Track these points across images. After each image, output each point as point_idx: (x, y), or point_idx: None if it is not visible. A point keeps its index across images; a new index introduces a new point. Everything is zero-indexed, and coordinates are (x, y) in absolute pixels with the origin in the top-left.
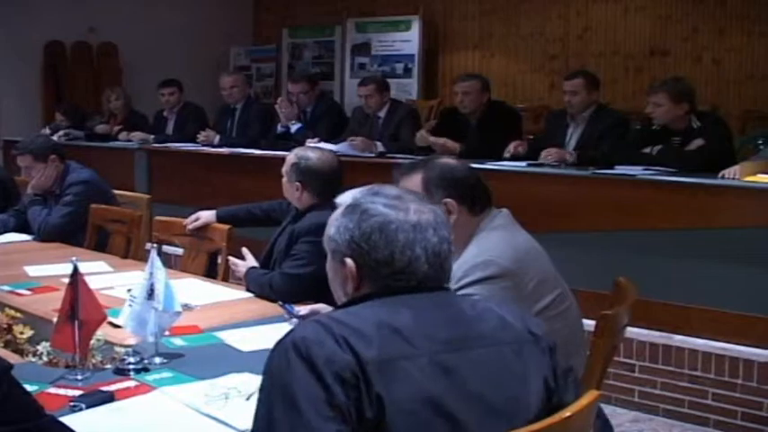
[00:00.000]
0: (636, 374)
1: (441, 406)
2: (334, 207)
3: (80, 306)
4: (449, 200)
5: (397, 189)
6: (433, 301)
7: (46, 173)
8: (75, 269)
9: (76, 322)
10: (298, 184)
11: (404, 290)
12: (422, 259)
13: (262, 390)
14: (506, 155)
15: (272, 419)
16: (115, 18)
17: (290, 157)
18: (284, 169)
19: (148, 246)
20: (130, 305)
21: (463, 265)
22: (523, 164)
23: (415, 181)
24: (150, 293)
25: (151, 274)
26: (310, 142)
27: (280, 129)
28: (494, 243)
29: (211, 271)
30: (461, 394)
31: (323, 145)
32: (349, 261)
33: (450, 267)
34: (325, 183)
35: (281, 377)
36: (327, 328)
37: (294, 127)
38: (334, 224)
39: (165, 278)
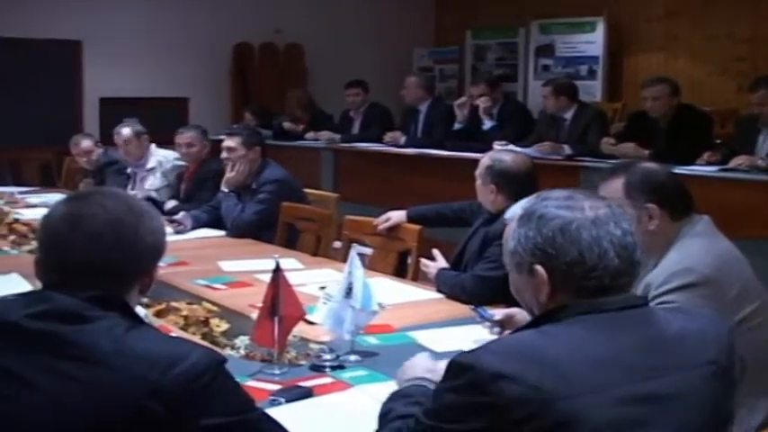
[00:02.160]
0: None
1: None
2: None
3: (281, 302)
4: (651, 205)
5: (566, 190)
6: (632, 320)
7: (241, 167)
8: (277, 266)
9: (276, 318)
10: (492, 186)
11: (598, 291)
12: (611, 253)
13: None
14: (699, 163)
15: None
16: (301, 20)
17: (485, 159)
18: (478, 172)
19: (337, 244)
20: (325, 303)
21: (663, 272)
22: (715, 168)
23: (615, 186)
24: (348, 292)
25: (350, 272)
26: (498, 145)
27: (456, 125)
28: (695, 250)
29: (401, 271)
30: (659, 422)
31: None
32: (539, 268)
33: (639, 261)
34: (520, 185)
35: (449, 394)
36: (519, 359)
37: (488, 124)
38: (513, 237)
39: (363, 277)
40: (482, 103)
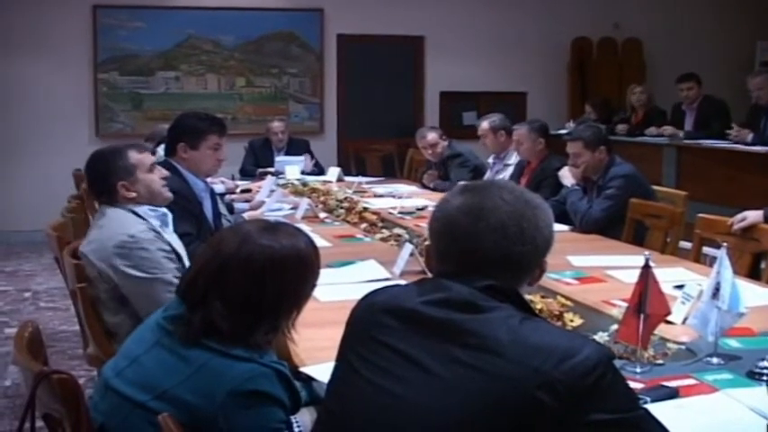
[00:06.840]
0: None
1: None
2: None
3: (648, 300)
4: None
5: None
6: None
7: (583, 166)
8: (647, 262)
9: (642, 315)
10: None
11: None
12: None
13: None
14: None
15: None
16: (639, 14)
17: None
18: None
19: (686, 245)
20: (684, 302)
21: None
22: None
23: None
24: (715, 292)
25: (718, 272)
26: None
27: None
28: None
29: (754, 273)
30: None
31: None
32: None
33: None
34: None
35: None
36: None
37: None
38: None
39: (731, 278)
40: None
